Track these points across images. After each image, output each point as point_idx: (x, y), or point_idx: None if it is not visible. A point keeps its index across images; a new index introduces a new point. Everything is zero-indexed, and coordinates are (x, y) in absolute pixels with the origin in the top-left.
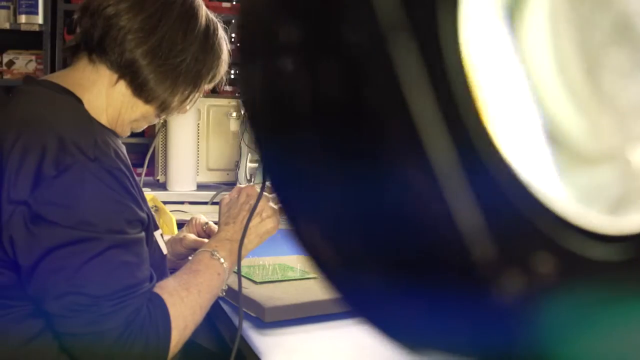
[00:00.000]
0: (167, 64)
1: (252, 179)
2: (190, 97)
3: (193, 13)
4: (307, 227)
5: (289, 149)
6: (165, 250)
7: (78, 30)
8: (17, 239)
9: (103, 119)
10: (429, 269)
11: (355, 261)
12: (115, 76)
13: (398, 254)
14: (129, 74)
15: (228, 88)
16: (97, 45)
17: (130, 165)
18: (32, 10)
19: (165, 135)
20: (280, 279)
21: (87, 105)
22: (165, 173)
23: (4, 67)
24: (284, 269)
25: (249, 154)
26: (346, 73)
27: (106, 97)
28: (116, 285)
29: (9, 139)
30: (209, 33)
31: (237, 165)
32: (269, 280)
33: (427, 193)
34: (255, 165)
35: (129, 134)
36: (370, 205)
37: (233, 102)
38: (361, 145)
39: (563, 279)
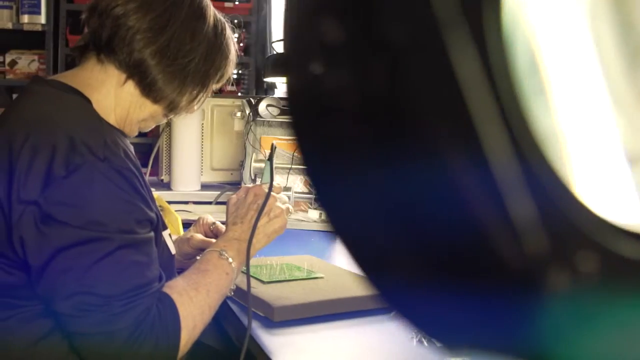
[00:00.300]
0: (176, 64)
1: (257, 179)
2: (199, 97)
3: (201, 13)
4: (349, 226)
5: (332, 147)
6: (173, 250)
7: (86, 30)
8: (27, 239)
9: (111, 119)
10: (474, 266)
11: (399, 259)
12: (123, 76)
13: (443, 252)
14: (138, 73)
15: (231, 88)
16: (106, 45)
17: (140, 165)
18: (34, 10)
19: (170, 135)
20: (287, 278)
21: (95, 105)
22: (169, 173)
23: (7, 67)
24: (291, 269)
25: (254, 154)
26: (394, 69)
27: (114, 97)
28: (126, 285)
29: (18, 138)
30: (217, 33)
31: (241, 165)
32: (277, 279)
33: (478, 189)
34: (260, 165)
35: (136, 133)
36: (418, 202)
37: (237, 102)
38: (409, 142)
39: (605, 279)
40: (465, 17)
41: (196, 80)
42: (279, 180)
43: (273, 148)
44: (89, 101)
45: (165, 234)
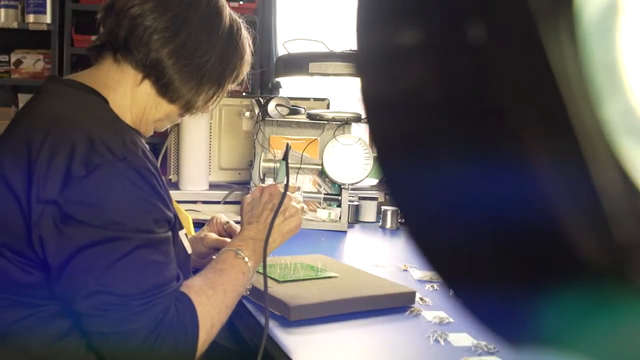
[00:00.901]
0: (193, 64)
1: (266, 178)
2: (215, 97)
3: (218, 13)
4: (423, 222)
5: (412, 144)
6: (189, 250)
7: (101, 29)
8: (46, 239)
9: (127, 119)
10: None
11: (477, 255)
12: (140, 76)
13: (527, 250)
14: (154, 73)
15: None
16: (122, 45)
17: (157, 165)
18: (40, 9)
19: (178, 134)
20: (302, 277)
21: (112, 105)
22: (177, 172)
23: (12, 67)
24: (304, 268)
25: (263, 154)
26: (480, 65)
27: (131, 97)
28: (145, 285)
29: (37, 138)
30: (232, 33)
31: (250, 165)
32: (291, 279)
33: (568, 185)
34: (269, 164)
35: (152, 133)
36: (501, 198)
37: (245, 102)
38: (492, 137)
39: None
40: (559, 9)
41: (212, 80)
42: (290, 180)
43: (288, 148)
44: (105, 101)
45: (181, 233)
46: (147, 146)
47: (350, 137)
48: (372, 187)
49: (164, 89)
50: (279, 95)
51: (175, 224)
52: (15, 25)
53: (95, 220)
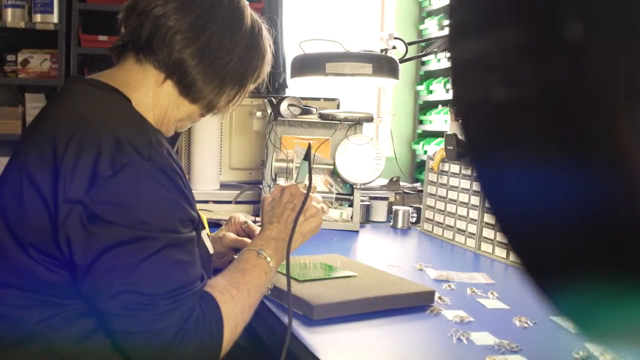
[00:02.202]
0: (215, 64)
1: (277, 178)
2: (237, 97)
3: (239, 13)
4: (516, 217)
5: (507, 141)
6: (211, 250)
7: (123, 29)
8: (73, 238)
9: (150, 118)
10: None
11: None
12: (162, 76)
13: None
14: (177, 74)
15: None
16: (145, 45)
17: (181, 165)
18: (47, 9)
19: (189, 134)
20: (321, 277)
21: (135, 105)
22: (188, 172)
23: (19, 66)
24: (323, 267)
25: (275, 153)
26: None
27: (153, 97)
28: (171, 284)
29: (62, 137)
30: (254, 33)
31: (262, 165)
32: (311, 278)
33: None
34: (281, 164)
35: (173, 133)
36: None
37: (256, 102)
38: (590, 135)
39: None
40: None
41: (234, 81)
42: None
43: (310, 148)
44: (128, 100)
45: (203, 233)
46: (170, 146)
47: (362, 137)
48: (382, 187)
49: (187, 89)
50: (286, 95)
51: (198, 224)
52: (22, 24)
53: (122, 220)
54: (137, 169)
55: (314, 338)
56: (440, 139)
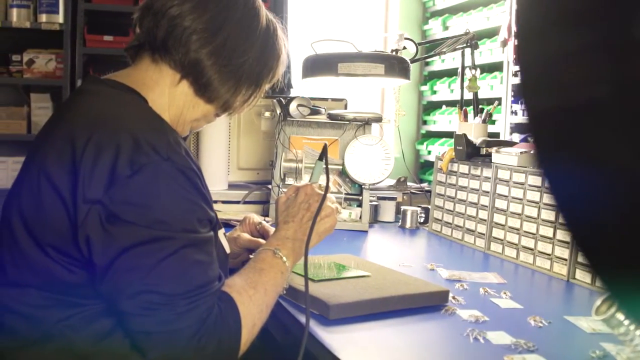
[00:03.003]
0: (231, 64)
1: (286, 178)
2: (252, 97)
3: (255, 13)
4: (581, 209)
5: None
6: (228, 250)
7: (138, 30)
8: (93, 238)
9: (165, 118)
10: None
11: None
12: (177, 76)
13: None
14: (193, 73)
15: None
16: (161, 45)
17: (199, 165)
18: (52, 9)
19: (197, 134)
20: (335, 277)
21: (151, 105)
22: None
23: (24, 66)
24: (337, 267)
25: (284, 154)
26: None
27: (168, 97)
28: (190, 284)
29: (81, 138)
30: (269, 33)
31: (271, 165)
32: (326, 278)
33: None
34: (290, 164)
35: (187, 133)
36: None
37: (263, 102)
38: None
39: None
40: None
41: (250, 80)
42: (308, 179)
43: (325, 148)
44: (145, 100)
45: (220, 233)
46: (188, 146)
47: (371, 137)
48: (389, 187)
49: (203, 89)
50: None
51: (216, 224)
52: (27, 25)
53: (141, 220)
54: (156, 169)
55: (331, 337)
56: (444, 139)
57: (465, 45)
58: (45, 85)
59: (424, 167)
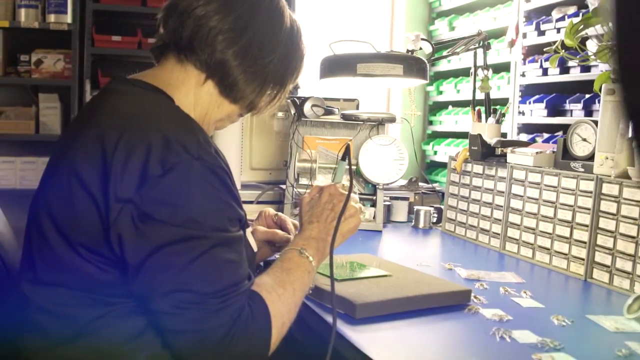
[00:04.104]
0: (257, 65)
1: (300, 178)
2: (277, 97)
3: (280, 13)
4: None
5: None
6: (255, 248)
7: (162, 30)
8: (125, 237)
9: None
10: None
11: None
12: (203, 76)
13: None
14: (219, 74)
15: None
16: (187, 45)
17: (228, 164)
18: (61, 9)
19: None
20: (358, 276)
21: (177, 104)
22: None
23: (33, 66)
24: (359, 267)
25: (298, 154)
26: None
27: (194, 97)
28: (221, 283)
29: (111, 137)
30: (293, 32)
31: (286, 165)
32: (349, 277)
33: None
34: (304, 164)
35: (212, 133)
36: None
37: None
38: None
39: None
40: None
41: (275, 80)
42: (322, 179)
43: (348, 148)
44: (172, 100)
45: (248, 231)
46: (217, 145)
47: (385, 137)
48: (401, 187)
49: (228, 90)
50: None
51: (245, 223)
52: (36, 25)
53: (173, 219)
54: (187, 168)
55: (358, 336)
56: (450, 139)
57: (477, 45)
58: (53, 85)
59: (430, 168)
